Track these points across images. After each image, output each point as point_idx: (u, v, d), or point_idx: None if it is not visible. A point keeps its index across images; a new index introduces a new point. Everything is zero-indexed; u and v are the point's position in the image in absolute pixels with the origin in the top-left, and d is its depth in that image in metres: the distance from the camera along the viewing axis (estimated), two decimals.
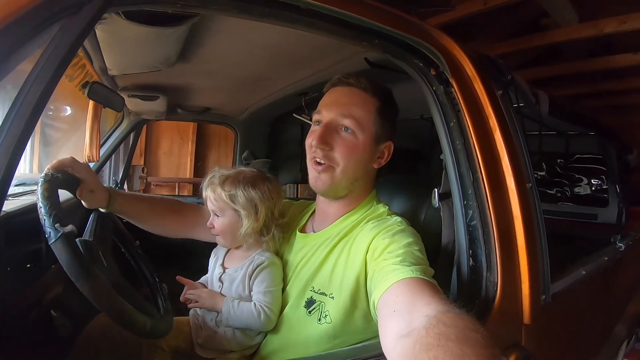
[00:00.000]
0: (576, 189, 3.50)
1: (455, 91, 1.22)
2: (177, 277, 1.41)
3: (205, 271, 1.50)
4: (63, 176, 1.14)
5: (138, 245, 1.49)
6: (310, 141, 1.21)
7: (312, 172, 1.24)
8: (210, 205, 1.36)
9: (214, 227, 1.37)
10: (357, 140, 1.20)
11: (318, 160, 1.21)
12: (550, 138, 3.17)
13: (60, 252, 0.93)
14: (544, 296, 1.28)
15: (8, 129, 0.69)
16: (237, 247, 1.41)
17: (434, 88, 1.24)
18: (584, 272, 1.76)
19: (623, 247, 2.49)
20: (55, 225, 0.94)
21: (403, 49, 1.20)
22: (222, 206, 1.33)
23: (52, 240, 0.93)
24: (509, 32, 3.30)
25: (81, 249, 0.99)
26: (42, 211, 0.97)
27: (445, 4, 2.54)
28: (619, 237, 2.54)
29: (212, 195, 1.34)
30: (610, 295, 2.31)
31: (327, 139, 1.19)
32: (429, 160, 3.42)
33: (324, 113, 1.23)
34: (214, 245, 1.48)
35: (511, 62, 3.49)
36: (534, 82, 3.60)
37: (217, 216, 1.36)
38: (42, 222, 0.96)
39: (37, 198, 0.99)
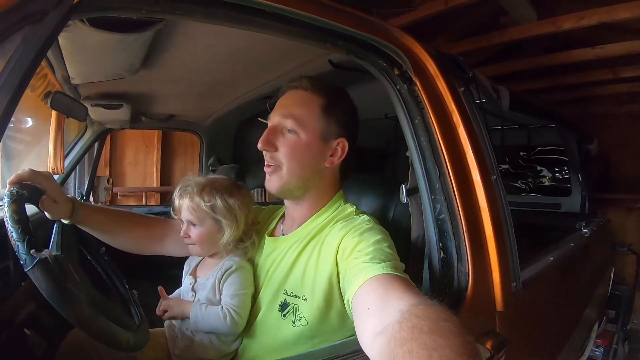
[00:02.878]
0: (539, 180, 3.62)
1: (418, 89, 1.25)
2: (159, 288, 1.38)
3: (175, 280, 1.48)
4: (28, 191, 1.09)
5: (104, 251, 1.44)
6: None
7: (266, 174, 1.26)
8: (187, 215, 1.33)
9: (189, 237, 1.35)
10: (300, 139, 1.21)
11: (267, 162, 1.24)
12: (512, 131, 3.27)
13: (38, 280, 0.91)
14: (514, 283, 1.32)
15: None
16: (212, 256, 1.40)
17: (397, 87, 1.26)
18: (551, 258, 1.82)
19: (588, 233, 2.58)
20: (31, 252, 0.92)
21: (366, 50, 1.21)
22: (201, 216, 1.32)
23: (29, 268, 0.90)
24: (470, 31, 3.37)
25: (57, 272, 0.95)
26: (13, 236, 0.94)
27: (407, 4, 2.57)
28: (583, 223, 2.63)
29: (190, 204, 1.32)
30: (578, 279, 2.37)
31: (270, 141, 1.21)
32: (396, 158, 3.47)
33: (272, 117, 1.26)
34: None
35: (472, 59, 3.56)
36: (496, 78, 3.68)
37: (194, 225, 1.34)
38: (15, 247, 0.93)
39: (6, 221, 0.96)
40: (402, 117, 1.26)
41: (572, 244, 2.25)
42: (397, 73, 1.25)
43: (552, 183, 3.55)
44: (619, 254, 3.80)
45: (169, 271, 1.62)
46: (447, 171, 1.21)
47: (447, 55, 1.48)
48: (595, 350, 3.29)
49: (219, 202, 1.31)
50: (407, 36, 1.34)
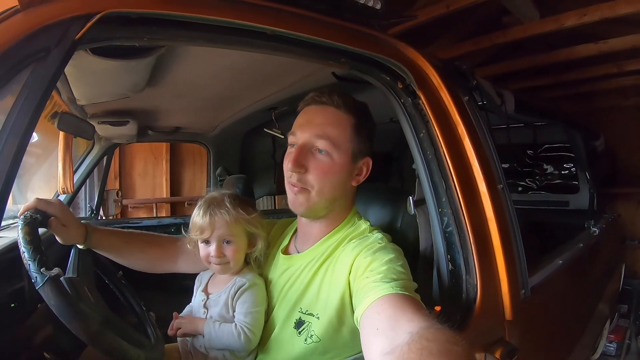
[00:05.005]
0: (546, 178, 3.60)
1: (422, 102, 1.25)
2: (174, 314, 1.38)
3: (187, 291, 1.49)
4: (42, 216, 1.14)
5: (121, 275, 1.47)
6: (286, 164, 1.21)
7: (290, 193, 1.23)
8: (223, 232, 1.29)
9: (223, 257, 1.31)
10: (333, 161, 1.18)
11: (293, 182, 1.20)
12: (518, 130, 3.26)
13: (48, 297, 0.93)
14: (523, 291, 1.33)
15: None
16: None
17: (402, 100, 1.26)
18: (560, 261, 1.82)
19: (597, 232, 2.56)
20: (41, 270, 0.94)
21: (369, 65, 1.22)
22: (238, 230, 1.31)
23: (39, 285, 0.93)
24: (472, 31, 3.35)
25: (68, 290, 0.99)
26: (25, 256, 0.97)
27: (408, 14, 2.56)
28: (592, 222, 2.62)
29: (228, 218, 1.28)
30: (588, 279, 2.37)
31: (301, 162, 1.18)
32: (401, 162, 3.48)
33: (299, 134, 1.21)
34: None
35: (474, 59, 3.56)
36: (499, 77, 3.68)
37: (228, 243, 1.31)
38: (27, 266, 0.96)
39: (19, 242, 1.00)
40: (407, 130, 1.27)
41: (581, 245, 2.24)
42: (400, 87, 1.26)
43: (560, 181, 3.53)
44: (629, 248, 3.79)
45: (181, 282, 1.63)
46: (453, 184, 1.22)
47: (450, 64, 1.49)
48: (609, 346, 3.29)
49: (254, 215, 1.32)
50: (410, 48, 1.35)
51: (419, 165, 1.25)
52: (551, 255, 1.86)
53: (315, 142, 1.18)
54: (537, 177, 3.61)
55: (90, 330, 0.96)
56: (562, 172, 3.52)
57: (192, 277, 1.49)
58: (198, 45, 1.04)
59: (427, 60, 1.35)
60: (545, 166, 3.59)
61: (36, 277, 0.94)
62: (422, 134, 1.25)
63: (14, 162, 0.70)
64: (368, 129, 1.27)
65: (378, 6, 1.23)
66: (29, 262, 0.96)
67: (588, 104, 4.82)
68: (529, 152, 3.64)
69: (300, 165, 1.17)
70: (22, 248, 0.98)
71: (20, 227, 1.02)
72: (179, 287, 1.63)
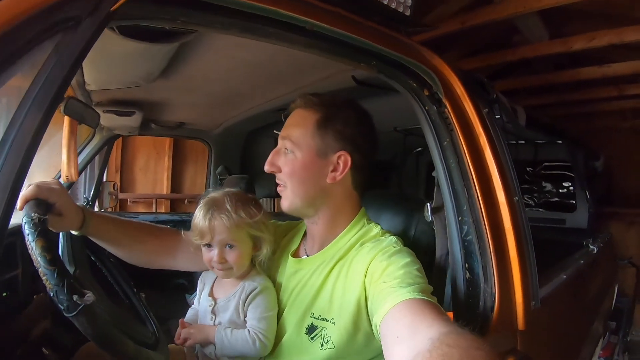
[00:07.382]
0: (544, 195, 3.63)
1: (448, 111, 1.25)
2: (180, 320, 1.31)
3: (181, 289, 1.45)
4: (45, 208, 0.98)
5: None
6: None
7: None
8: (225, 237, 1.22)
9: (226, 262, 1.24)
10: (296, 159, 1.21)
11: (277, 181, 1.28)
12: (519, 146, 3.28)
13: (84, 326, 0.85)
14: (533, 302, 1.32)
15: (3, 164, 0.63)
16: None
17: (426, 108, 1.26)
18: (564, 276, 1.84)
19: (596, 250, 2.59)
20: (74, 298, 0.81)
21: (398, 70, 1.22)
22: (240, 235, 1.24)
23: (72, 314, 0.82)
24: (481, 47, 3.40)
25: (102, 315, 0.92)
26: (49, 281, 0.81)
27: (428, 23, 2.58)
28: (590, 240, 2.64)
29: (227, 223, 1.21)
30: (587, 295, 2.40)
31: (274, 163, 1.25)
32: (401, 170, 3.50)
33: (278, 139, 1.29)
34: None
35: (481, 74, 3.59)
36: (502, 93, 3.71)
37: (230, 247, 1.24)
38: (53, 293, 0.81)
39: (35, 260, 0.83)
40: (430, 138, 1.26)
41: (582, 261, 2.26)
42: (427, 94, 1.25)
43: (557, 199, 3.57)
44: (620, 267, 3.83)
45: (174, 280, 1.60)
46: (475, 193, 1.22)
47: (471, 75, 1.50)
48: None
49: (259, 218, 1.25)
50: (436, 56, 1.35)
51: (440, 172, 1.25)
52: (556, 269, 1.89)
53: (283, 143, 1.25)
54: (536, 194, 3.64)
55: (128, 353, 0.94)
56: (560, 190, 3.55)
57: (185, 275, 1.45)
58: (231, 34, 0.99)
59: (452, 69, 1.35)
60: (544, 184, 3.63)
61: (67, 305, 0.81)
62: (445, 142, 1.25)
63: (31, 144, 0.65)
64: (340, 122, 1.23)
65: (408, 12, 1.23)
66: (56, 288, 0.80)
67: (587, 124, 4.91)
68: (528, 169, 3.67)
69: (272, 165, 1.25)
70: (42, 269, 0.81)
71: (31, 239, 0.83)
72: (173, 285, 1.60)
